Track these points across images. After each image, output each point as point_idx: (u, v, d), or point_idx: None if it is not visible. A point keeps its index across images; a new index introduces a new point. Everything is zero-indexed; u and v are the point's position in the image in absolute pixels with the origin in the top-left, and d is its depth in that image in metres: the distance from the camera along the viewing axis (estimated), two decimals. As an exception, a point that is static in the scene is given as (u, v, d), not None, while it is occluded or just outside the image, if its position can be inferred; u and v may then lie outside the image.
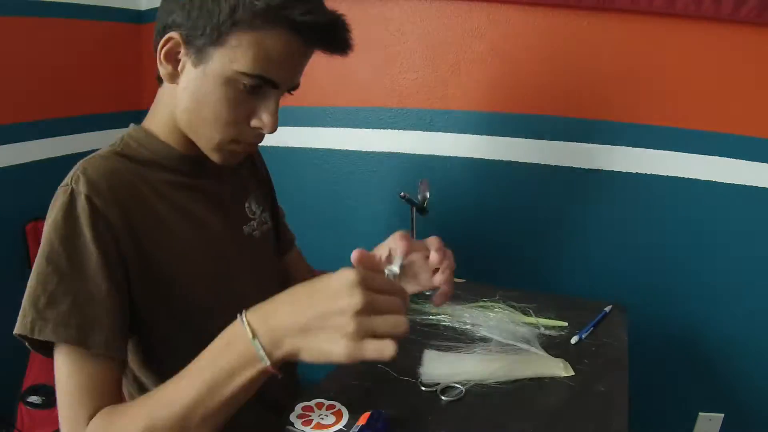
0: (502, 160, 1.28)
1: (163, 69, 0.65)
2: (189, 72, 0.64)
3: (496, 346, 0.82)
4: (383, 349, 0.49)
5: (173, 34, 0.63)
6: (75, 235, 0.61)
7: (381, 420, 0.61)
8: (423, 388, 0.71)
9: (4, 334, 1.33)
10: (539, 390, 0.73)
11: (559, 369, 0.77)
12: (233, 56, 0.61)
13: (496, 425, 0.66)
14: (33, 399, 1.17)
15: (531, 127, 1.25)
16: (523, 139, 1.26)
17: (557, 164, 1.24)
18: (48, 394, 1.18)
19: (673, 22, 1.11)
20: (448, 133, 1.31)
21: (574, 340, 0.86)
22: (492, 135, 1.28)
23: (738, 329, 1.21)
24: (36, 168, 1.41)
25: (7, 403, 1.21)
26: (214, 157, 0.70)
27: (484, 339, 0.85)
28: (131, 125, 0.73)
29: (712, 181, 1.16)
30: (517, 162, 1.27)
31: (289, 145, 1.44)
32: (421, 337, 0.86)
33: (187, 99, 0.65)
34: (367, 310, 0.49)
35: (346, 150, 1.41)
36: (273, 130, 0.67)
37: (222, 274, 0.72)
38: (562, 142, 1.23)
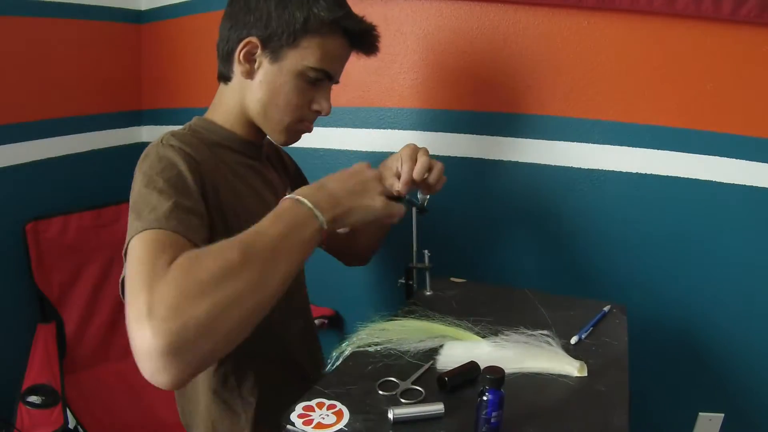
0: (502, 160, 1.28)
1: (242, 67, 0.83)
2: (266, 68, 0.82)
3: (514, 340, 0.82)
4: (400, 208, 0.78)
5: (252, 39, 0.80)
6: (171, 167, 0.72)
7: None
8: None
9: (4, 334, 1.34)
10: (539, 390, 0.73)
11: (573, 368, 0.76)
12: (304, 55, 0.81)
13: (497, 425, 0.66)
14: (33, 399, 1.16)
15: (532, 127, 1.25)
16: (524, 139, 1.26)
17: (558, 164, 1.24)
18: (48, 393, 1.18)
19: (673, 22, 1.11)
20: (448, 133, 1.31)
21: (573, 339, 0.86)
22: (492, 135, 1.28)
23: (738, 329, 1.20)
24: (36, 168, 1.40)
25: (7, 403, 1.21)
26: (280, 137, 0.88)
27: (505, 333, 0.84)
28: (194, 117, 0.88)
29: (712, 181, 1.16)
30: (517, 162, 1.27)
31: (289, 145, 1.44)
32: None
33: (263, 90, 0.83)
34: (379, 178, 0.77)
35: (346, 150, 1.41)
36: (329, 112, 0.88)
37: None
38: (562, 142, 1.23)
